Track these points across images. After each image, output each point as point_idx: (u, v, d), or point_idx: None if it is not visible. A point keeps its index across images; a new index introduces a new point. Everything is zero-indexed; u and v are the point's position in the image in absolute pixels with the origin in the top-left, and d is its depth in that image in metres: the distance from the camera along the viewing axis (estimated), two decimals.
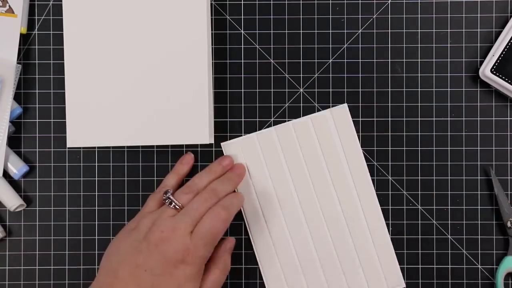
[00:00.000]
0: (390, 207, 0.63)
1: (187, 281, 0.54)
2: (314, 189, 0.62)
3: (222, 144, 0.63)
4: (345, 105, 0.63)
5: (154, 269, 0.54)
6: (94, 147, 0.64)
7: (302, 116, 0.62)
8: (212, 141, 0.62)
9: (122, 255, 0.55)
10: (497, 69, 0.61)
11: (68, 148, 0.64)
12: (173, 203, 0.57)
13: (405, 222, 0.63)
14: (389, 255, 0.62)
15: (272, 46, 0.64)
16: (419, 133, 0.64)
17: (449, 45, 0.64)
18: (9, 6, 0.63)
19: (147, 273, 0.54)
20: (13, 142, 0.64)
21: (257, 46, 0.64)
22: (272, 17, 0.64)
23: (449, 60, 0.64)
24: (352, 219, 0.62)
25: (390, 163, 0.63)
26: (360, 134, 0.64)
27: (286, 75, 0.64)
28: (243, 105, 0.64)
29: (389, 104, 0.64)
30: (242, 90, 0.64)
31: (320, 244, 0.62)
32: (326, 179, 0.62)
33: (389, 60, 0.64)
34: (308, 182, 0.63)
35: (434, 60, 0.64)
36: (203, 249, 0.55)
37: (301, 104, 0.64)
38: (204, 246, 0.55)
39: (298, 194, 0.62)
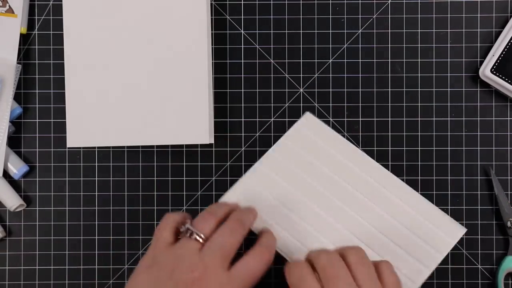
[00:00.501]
0: None
1: None
2: (338, 199, 0.58)
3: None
4: (307, 113, 0.61)
5: None
6: (94, 147, 0.64)
7: (301, 116, 0.62)
8: (212, 141, 0.62)
9: None
10: (497, 69, 0.61)
11: (68, 148, 0.64)
12: (194, 234, 0.50)
13: None
14: (435, 212, 0.58)
15: (272, 46, 0.64)
16: (419, 133, 0.64)
17: (449, 45, 0.64)
18: (9, 6, 0.63)
19: None
20: (13, 142, 0.64)
21: (257, 46, 0.64)
22: (272, 17, 0.64)
23: (449, 60, 0.64)
24: (383, 201, 0.58)
25: (390, 163, 0.63)
26: (360, 134, 0.64)
27: (286, 75, 0.64)
28: (243, 105, 0.64)
29: (389, 104, 0.64)
30: (242, 90, 0.64)
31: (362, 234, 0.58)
32: (340, 185, 0.59)
33: (389, 60, 0.64)
34: (328, 196, 0.59)
35: (434, 60, 0.64)
36: None
37: (301, 104, 0.64)
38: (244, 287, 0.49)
39: (326, 211, 0.58)
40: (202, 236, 0.50)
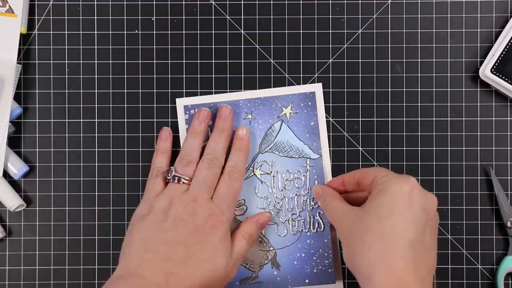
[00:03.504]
0: None
1: (220, 241, 0.57)
2: None
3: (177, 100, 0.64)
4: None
5: (187, 240, 0.56)
6: (94, 148, 0.64)
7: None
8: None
9: (145, 239, 0.56)
10: (497, 69, 0.61)
11: (69, 149, 0.64)
12: (182, 179, 0.59)
13: None
14: None
15: (272, 46, 0.64)
16: (419, 133, 0.64)
17: (449, 45, 0.64)
18: (9, 6, 0.63)
19: (180, 246, 0.56)
20: (13, 142, 0.64)
21: (257, 46, 0.64)
22: (272, 17, 0.64)
23: (449, 60, 0.64)
24: None
25: (390, 163, 0.63)
26: (360, 134, 0.64)
27: (286, 75, 0.64)
28: None
29: (389, 104, 0.64)
30: (242, 90, 0.64)
31: None
32: None
33: (389, 60, 0.64)
34: None
35: (434, 60, 0.64)
36: (227, 210, 0.58)
37: None
38: (228, 207, 0.58)
39: None
40: (188, 178, 0.59)
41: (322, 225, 0.63)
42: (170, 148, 0.62)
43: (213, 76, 0.64)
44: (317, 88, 0.64)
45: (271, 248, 0.63)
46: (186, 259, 0.55)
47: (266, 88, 0.64)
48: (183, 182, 0.59)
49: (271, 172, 0.64)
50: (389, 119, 0.64)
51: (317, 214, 0.63)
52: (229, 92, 0.64)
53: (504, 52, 0.61)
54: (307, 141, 0.64)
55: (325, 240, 0.63)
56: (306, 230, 0.63)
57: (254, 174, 0.64)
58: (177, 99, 0.64)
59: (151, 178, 0.60)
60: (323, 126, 0.63)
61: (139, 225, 0.57)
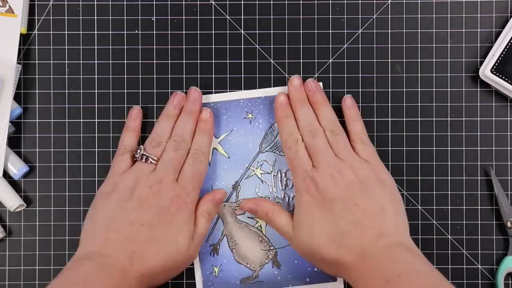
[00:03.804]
0: None
1: (185, 223, 0.58)
2: None
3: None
4: None
5: (152, 221, 0.56)
6: (94, 148, 0.64)
7: None
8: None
9: (109, 218, 0.56)
10: (497, 69, 0.61)
11: (68, 150, 0.64)
12: (150, 159, 0.59)
13: None
14: None
15: (272, 46, 0.64)
16: (419, 133, 0.64)
17: (449, 45, 0.64)
18: (9, 6, 0.63)
19: (144, 227, 0.56)
20: (13, 142, 0.64)
21: (257, 46, 0.64)
22: (272, 17, 0.64)
23: (449, 60, 0.64)
24: None
25: (390, 163, 0.63)
26: None
27: (286, 75, 0.64)
28: None
29: (389, 104, 0.64)
30: (242, 90, 0.64)
31: None
32: None
33: (389, 60, 0.64)
34: None
35: (434, 60, 0.64)
36: (192, 192, 0.59)
37: None
38: (193, 189, 0.59)
39: None
40: (156, 158, 0.59)
41: None
42: (139, 127, 0.62)
43: (213, 76, 0.64)
44: None
45: (271, 248, 0.63)
46: (150, 240, 0.56)
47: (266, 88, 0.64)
48: (151, 162, 0.59)
49: (272, 171, 0.64)
50: (389, 119, 0.64)
51: None
52: (229, 92, 0.64)
53: (504, 52, 0.61)
54: None
55: None
56: None
57: (255, 174, 0.64)
58: None
59: (118, 156, 0.60)
60: None
61: (103, 204, 0.57)
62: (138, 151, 0.59)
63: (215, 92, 0.64)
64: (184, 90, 0.64)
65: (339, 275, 0.57)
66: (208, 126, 0.61)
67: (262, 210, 0.61)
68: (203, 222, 0.60)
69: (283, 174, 0.63)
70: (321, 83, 0.63)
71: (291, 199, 0.63)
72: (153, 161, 0.59)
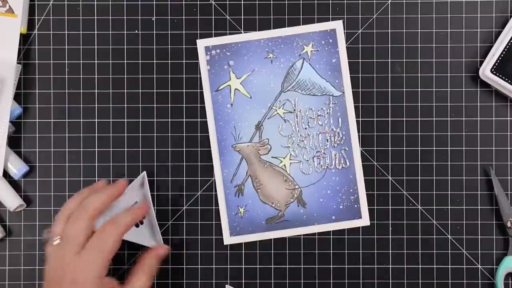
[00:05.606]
0: (390, 207, 0.63)
1: None
2: None
3: None
4: None
5: None
6: (94, 148, 0.64)
7: None
8: None
9: None
10: (497, 69, 0.61)
11: (68, 149, 0.64)
12: (56, 240, 0.56)
13: (405, 222, 0.63)
14: None
15: None
16: (419, 133, 0.64)
17: (449, 45, 0.64)
18: (9, 6, 0.63)
19: None
20: (13, 142, 0.64)
21: None
22: (272, 17, 0.64)
23: (449, 60, 0.64)
24: None
25: (390, 163, 0.63)
26: (360, 134, 0.64)
27: None
28: None
29: (389, 104, 0.64)
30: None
31: None
32: None
33: (389, 60, 0.64)
34: None
35: (434, 60, 0.64)
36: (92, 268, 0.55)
37: None
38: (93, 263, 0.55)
39: None
40: (58, 238, 0.56)
41: (347, 162, 0.63)
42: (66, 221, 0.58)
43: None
44: (337, 25, 0.63)
45: (296, 187, 0.63)
46: None
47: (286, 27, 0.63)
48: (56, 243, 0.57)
49: (294, 110, 0.63)
50: (389, 119, 0.64)
51: (342, 151, 0.63)
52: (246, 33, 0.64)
53: (504, 52, 0.61)
54: (329, 78, 0.63)
55: (350, 176, 0.63)
56: (331, 167, 0.63)
57: (278, 113, 0.63)
58: (197, 40, 0.63)
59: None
60: (345, 63, 0.63)
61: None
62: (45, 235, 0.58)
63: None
64: (184, 90, 0.64)
65: None
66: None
67: None
68: (145, 279, 0.58)
69: (306, 113, 0.63)
70: (340, 22, 0.63)
71: (313, 137, 0.63)
72: (58, 241, 0.57)
